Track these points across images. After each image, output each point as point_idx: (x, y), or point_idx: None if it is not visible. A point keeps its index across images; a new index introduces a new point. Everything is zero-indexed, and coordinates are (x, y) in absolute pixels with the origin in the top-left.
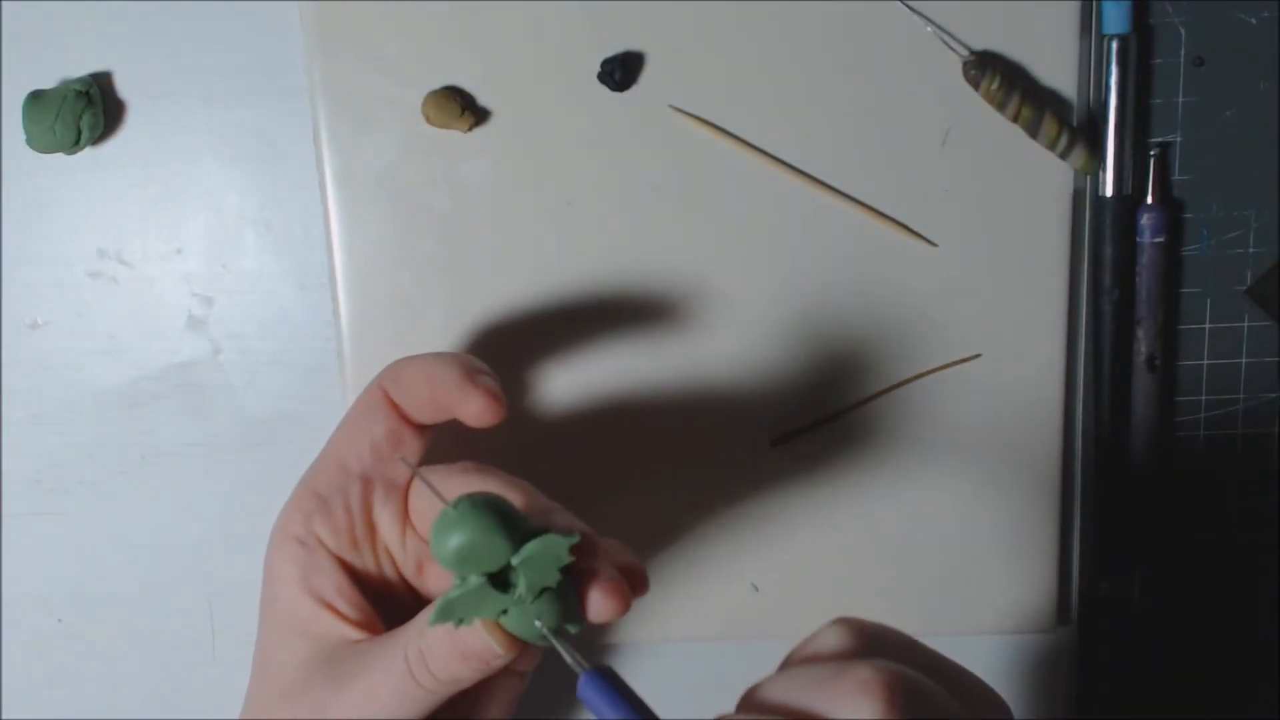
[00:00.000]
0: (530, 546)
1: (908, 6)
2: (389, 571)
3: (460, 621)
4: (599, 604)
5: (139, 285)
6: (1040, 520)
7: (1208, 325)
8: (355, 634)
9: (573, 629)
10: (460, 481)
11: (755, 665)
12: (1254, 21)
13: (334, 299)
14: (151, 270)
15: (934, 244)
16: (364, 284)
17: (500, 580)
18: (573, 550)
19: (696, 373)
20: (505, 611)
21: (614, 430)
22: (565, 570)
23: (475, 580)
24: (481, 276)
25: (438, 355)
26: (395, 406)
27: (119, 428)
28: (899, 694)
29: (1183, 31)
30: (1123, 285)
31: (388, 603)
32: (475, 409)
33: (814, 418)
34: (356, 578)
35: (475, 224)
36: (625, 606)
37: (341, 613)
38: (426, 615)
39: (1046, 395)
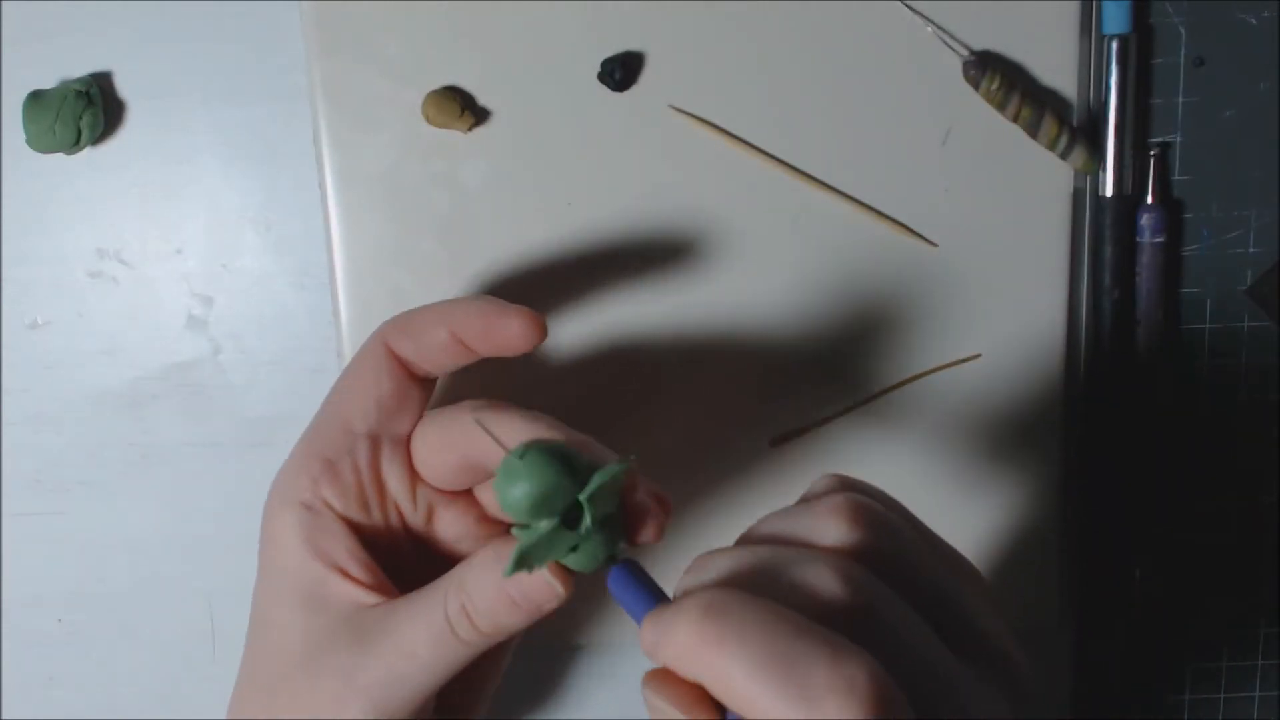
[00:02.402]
0: (595, 480)
1: (908, 6)
2: (396, 526)
3: (533, 568)
4: (650, 529)
5: (139, 285)
6: (1040, 520)
7: (1208, 325)
8: (370, 598)
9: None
10: (503, 426)
11: None
12: (1254, 21)
13: (334, 299)
14: (151, 270)
15: (934, 244)
16: (364, 284)
17: (566, 518)
18: (628, 474)
19: (696, 373)
20: (575, 548)
21: (613, 430)
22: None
23: (547, 524)
24: (481, 276)
25: (453, 299)
26: (399, 361)
27: (119, 428)
28: (863, 518)
29: (1183, 31)
30: (1123, 285)
31: (392, 559)
32: (517, 328)
33: (814, 418)
34: (364, 539)
35: (475, 224)
36: (664, 529)
37: (355, 576)
38: (463, 571)
39: (1046, 395)
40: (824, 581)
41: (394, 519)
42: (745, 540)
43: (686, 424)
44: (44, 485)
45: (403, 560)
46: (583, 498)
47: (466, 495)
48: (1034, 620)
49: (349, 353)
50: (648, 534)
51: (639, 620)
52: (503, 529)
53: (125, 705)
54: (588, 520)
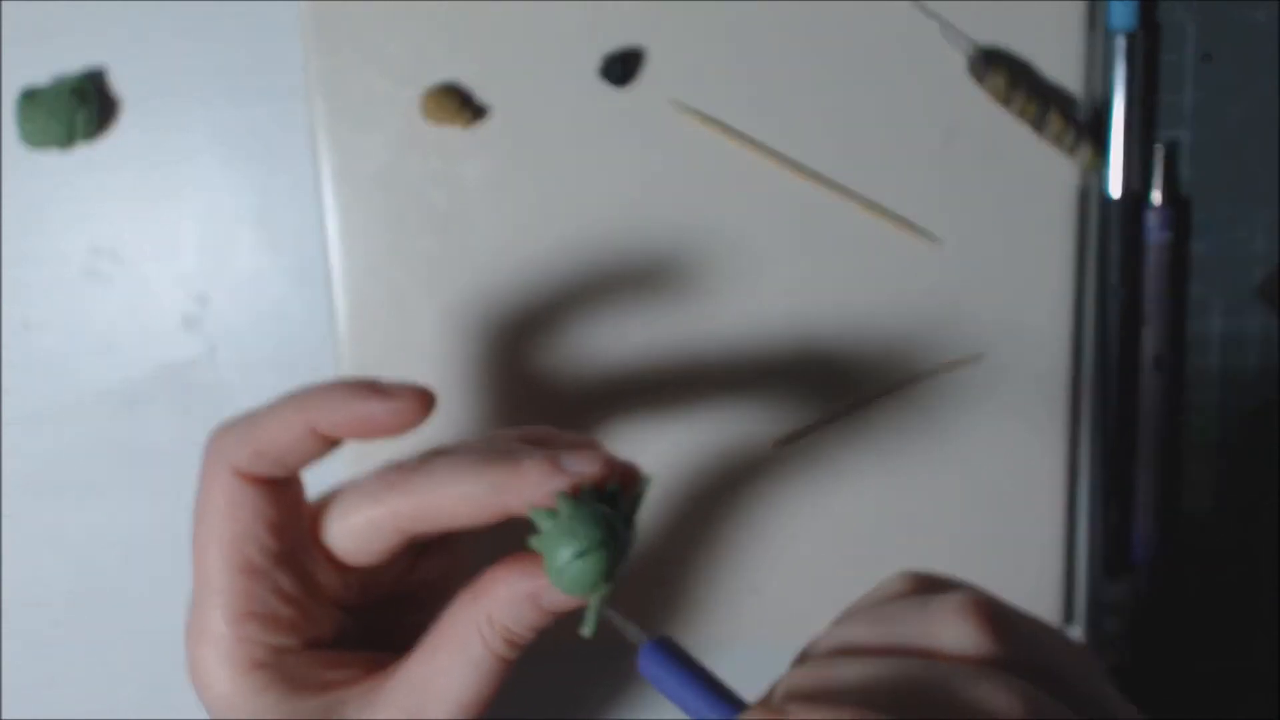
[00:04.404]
0: (631, 507)
1: (912, 1)
2: (336, 612)
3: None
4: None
5: (134, 284)
6: (1044, 520)
7: (1216, 324)
8: (368, 679)
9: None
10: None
11: (756, 668)
12: (1262, 18)
13: (331, 297)
14: (147, 269)
15: (938, 241)
16: (361, 282)
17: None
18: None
19: (698, 373)
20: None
21: (614, 431)
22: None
23: (598, 555)
24: (481, 275)
25: (301, 392)
26: (256, 479)
27: (116, 427)
28: (994, 615)
29: (1190, 28)
30: (1129, 284)
31: (343, 625)
32: (391, 409)
33: (817, 418)
34: (311, 625)
35: (474, 222)
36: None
37: (344, 682)
38: (461, 617)
39: (1051, 395)
40: (1000, 703)
41: (334, 611)
42: (841, 650)
43: (688, 425)
44: (43, 485)
45: (340, 604)
46: (621, 526)
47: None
48: None
49: (347, 352)
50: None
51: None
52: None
53: (125, 705)
54: (619, 523)
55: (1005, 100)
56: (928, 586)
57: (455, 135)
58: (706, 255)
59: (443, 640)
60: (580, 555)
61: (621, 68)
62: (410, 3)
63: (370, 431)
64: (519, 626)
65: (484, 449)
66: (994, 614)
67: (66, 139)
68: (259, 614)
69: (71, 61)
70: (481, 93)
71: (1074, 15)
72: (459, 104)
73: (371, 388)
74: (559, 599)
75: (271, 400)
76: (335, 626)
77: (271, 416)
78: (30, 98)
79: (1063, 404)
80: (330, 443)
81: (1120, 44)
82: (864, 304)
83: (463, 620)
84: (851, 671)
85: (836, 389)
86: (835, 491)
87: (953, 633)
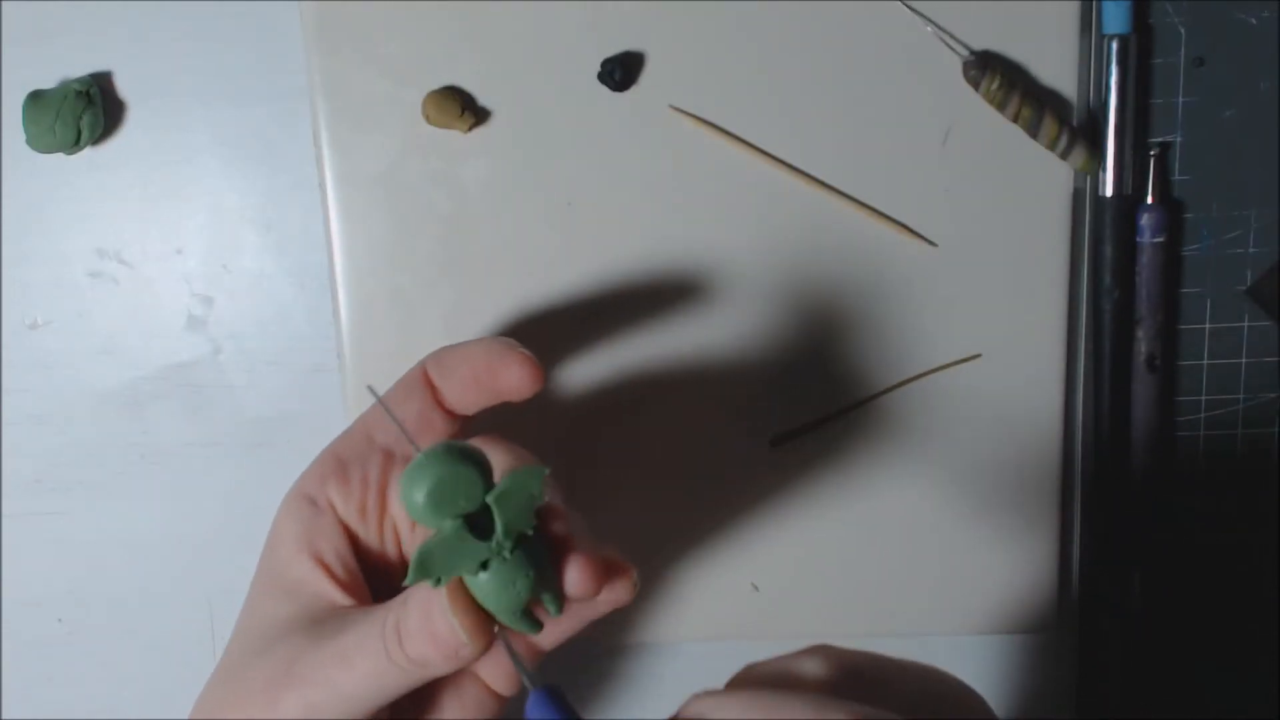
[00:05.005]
0: (504, 481)
1: (908, 6)
2: (391, 551)
3: (439, 580)
4: (575, 575)
5: (139, 285)
6: (1040, 520)
7: (1208, 325)
8: (345, 600)
9: (552, 609)
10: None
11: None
12: (1254, 21)
13: (334, 299)
14: (151, 270)
15: (934, 244)
16: (364, 284)
17: (478, 529)
18: (545, 489)
19: (696, 373)
20: (485, 566)
21: (614, 430)
22: (541, 531)
23: (451, 525)
24: (481, 276)
25: (478, 338)
26: (434, 390)
27: (119, 428)
28: None
29: (1183, 31)
30: (1123, 285)
31: (384, 582)
32: (514, 377)
33: (814, 418)
34: (358, 549)
35: (475, 224)
36: (599, 584)
37: (336, 577)
38: (410, 590)
39: (1046, 395)
40: None
41: (390, 542)
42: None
43: (686, 424)
44: (44, 485)
45: (394, 590)
46: (490, 499)
47: None
48: (1034, 621)
49: (349, 353)
50: (575, 582)
51: None
52: None
53: (125, 705)
54: (499, 530)
55: (1000, 104)
56: (834, 674)
57: (456, 137)
58: (704, 257)
59: (362, 616)
60: (420, 474)
61: (621, 71)
62: (411, 5)
63: (499, 386)
64: (412, 629)
65: None
66: None
67: (74, 143)
68: (339, 458)
69: (73, 64)
70: (482, 95)
71: (1068, 19)
72: (459, 108)
73: (507, 350)
74: (442, 594)
75: (480, 337)
76: (385, 561)
77: (459, 345)
78: (35, 100)
79: (1057, 403)
80: (482, 391)
81: (1113, 48)
82: (862, 305)
83: (378, 614)
84: None
85: (834, 389)
86: (833, 489)
87: None
